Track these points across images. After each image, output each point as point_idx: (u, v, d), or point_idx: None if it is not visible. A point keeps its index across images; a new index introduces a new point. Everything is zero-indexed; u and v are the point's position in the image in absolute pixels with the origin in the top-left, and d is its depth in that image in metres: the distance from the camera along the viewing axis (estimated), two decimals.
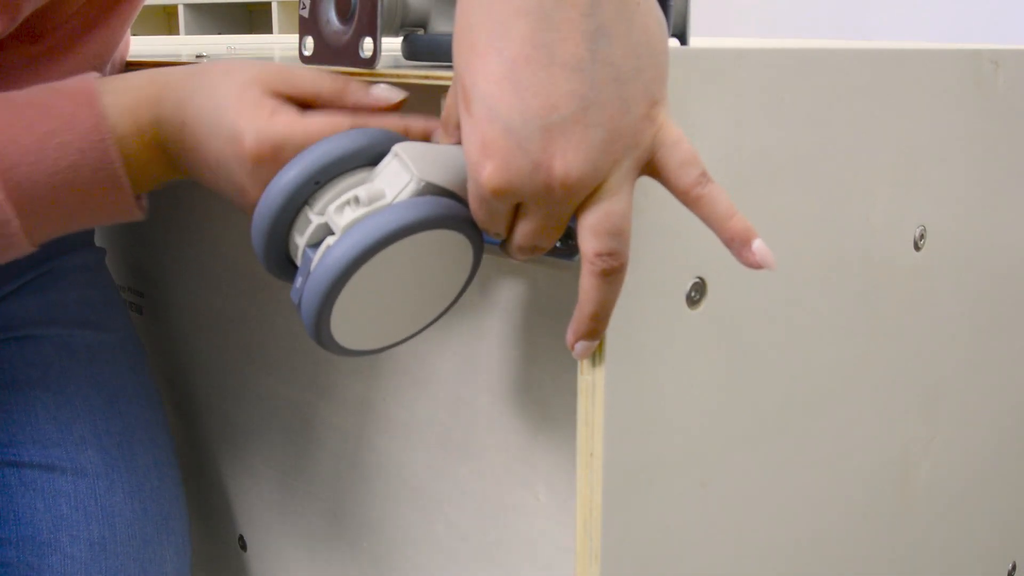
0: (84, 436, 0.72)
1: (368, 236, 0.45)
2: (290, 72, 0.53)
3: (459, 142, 0.47)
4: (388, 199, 0.47)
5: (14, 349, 0.72)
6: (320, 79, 0.53)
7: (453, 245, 0.49)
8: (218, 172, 0.53)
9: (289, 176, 0.48)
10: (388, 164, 0.48)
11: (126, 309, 0.81)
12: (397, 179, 0.47)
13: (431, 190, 0.47)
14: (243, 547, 0.90)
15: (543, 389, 0.60)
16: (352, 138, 0.49)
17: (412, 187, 0.47)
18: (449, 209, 0.47)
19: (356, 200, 0.47)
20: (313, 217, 0.48)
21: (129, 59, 0.75)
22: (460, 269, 0.51)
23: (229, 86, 0.52)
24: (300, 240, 0.49)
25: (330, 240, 0.47)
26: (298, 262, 0.49)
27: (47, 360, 0.73)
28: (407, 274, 0.48)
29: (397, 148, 0.48)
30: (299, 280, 0.48)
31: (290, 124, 0.50)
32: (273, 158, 0.50)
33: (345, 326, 0.49)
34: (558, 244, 0.51)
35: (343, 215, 0.47)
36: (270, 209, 0.48)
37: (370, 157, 0.49)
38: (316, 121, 0.50)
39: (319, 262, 0.46)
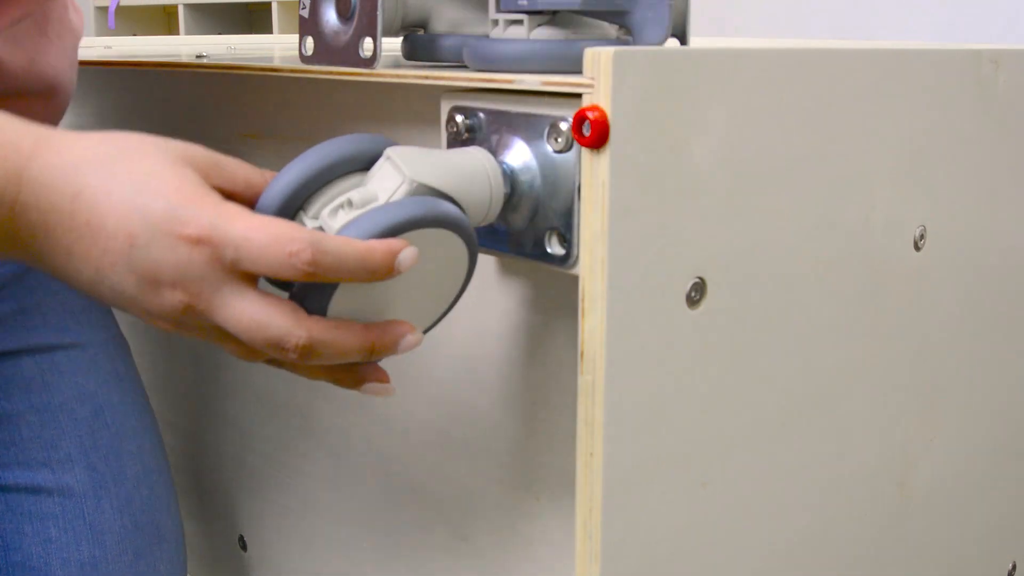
0: (71, 454, 0.70)
1: (361, 236, 0.45)
2: (219, 161, 0.48)
3: None
4: (381, 200, 0.47)
5: None
6: (249, 174, 0.48)
7: (448, 247, 0.49)
8: (109, 258, 0.45)
9: (283, 182, 0.48)
10: (380, 167, 0.49)
11: (108, 309, 0.78)
12: (390, 181, 0.48)
13: (424, 191, 0.48)
14: (243, 547, 0.90)
15: (543, 389, 0.60)
16: (344, 144, 0.49)
17: (405, 188, 0.47)
18: (441, 208, 0.47)
19: (349, 203, 0.47)
20: (308, 222, 0.48)
21: (129, 59, 0.75)
22: (456, 272, 0.51)
23: (158, 159, 0.46)
24: None
25: None
26: None
27: (28, 377, 0.71)
28: (403, 277, 0.48)
29: (389, 151, 0.48)
30: (296, 285, 0.48)
31: (249, 231, 0.44)
32: (213, 259, 0.44)
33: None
34: (560, 250, 0.51)
35: (337, 218, 0.47)
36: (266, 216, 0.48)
37: (363, 162, 0.49)
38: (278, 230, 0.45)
39: None
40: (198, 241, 0.44)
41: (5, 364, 0.70)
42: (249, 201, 0.48)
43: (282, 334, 0.44)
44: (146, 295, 0.45)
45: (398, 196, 0.47)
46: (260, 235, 0.44)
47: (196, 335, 0.47)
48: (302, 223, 0.48)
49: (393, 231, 0.46)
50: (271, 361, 0.48)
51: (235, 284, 0.44)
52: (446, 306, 0.53)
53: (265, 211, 0.48)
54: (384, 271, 0.45)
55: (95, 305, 0.76)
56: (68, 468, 0.70)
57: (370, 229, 0.46)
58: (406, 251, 0.45)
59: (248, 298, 0.44)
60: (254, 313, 0.44)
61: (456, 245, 0.49)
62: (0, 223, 0.45)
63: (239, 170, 0.48)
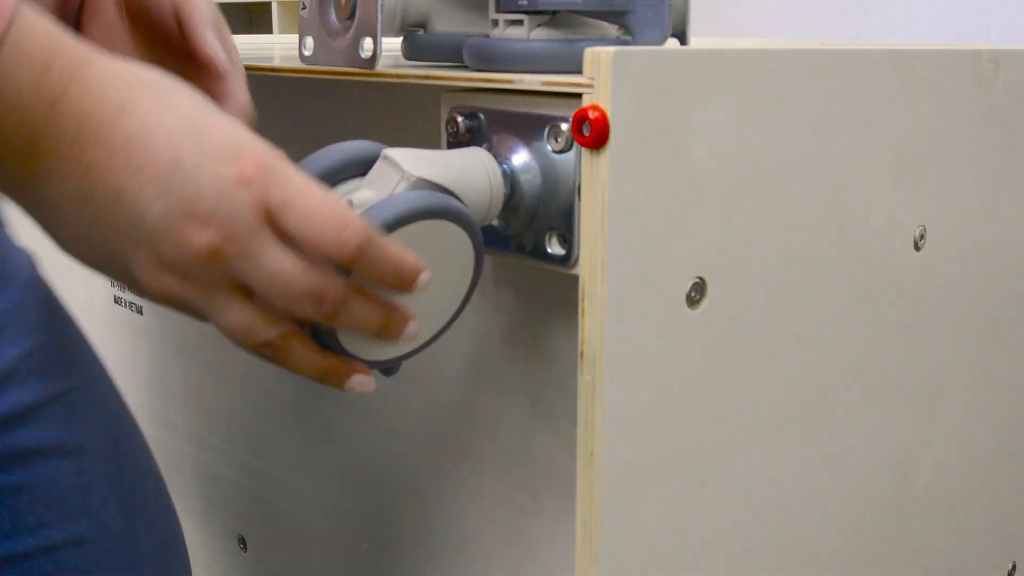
0: (105, 496, 0.65)
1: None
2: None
3: None
4: (381, 199, 0.47)
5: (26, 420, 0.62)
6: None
7: (452, 243, 0.49)
8: (141, 178, 0.41)
9: None
10: (378, 168, 0.49)
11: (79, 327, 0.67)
12: (388, 180, 0.48)
13: (423, 185, 0.48)
14: (243, 547, 0.90)
15: (543, 389, 0.60)
16: (340, 150, 0.49)
17: (404, 184, 0.47)
18: (442, 200, 0.47)
19: (350, 204, 0.47)
20: None
21: None
22: (463, 268, 0.51)
23: (213, 107, 0.45)
24: None
25: None
26: None
27: (59, 424, 0.63)
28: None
29: (386, 152, 0.49)
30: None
31: (310, 187, 0.43)
32: (258, 201, 0.42)
33: (356, 335, 0.49)
34: (560, 250, 0.51)
35: None
36: None
37: (360, 167, 0.49)
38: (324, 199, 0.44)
39: None
40: (250, 181, 0.41)
41: (38, 415, 0.62)
42: None
43: (323, 283, 0.43)
44: (170, 229, 0.41)
45: (398, 192, 0.47)
46: (320, 195, 0.43)
47: (196, 297, 0.43)
48: None
49: (395, 223, 0.46)
50: (263, 347, 0.46)
51: (271, 234, 0.42)
52: (456, 307, 0.53)
53: None
54: (410, 279, 0.46)
55: (77, 330, 0.66)
56: (105, 509, 0.67)
57: (372, 222, 0.45)
58: (425, 273, 0.46)
59: (285, 249, 0.43)
60: (296, 261, 0.43)
61: (461, 242, 0.49)
62: (33, 123, 0.40)
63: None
